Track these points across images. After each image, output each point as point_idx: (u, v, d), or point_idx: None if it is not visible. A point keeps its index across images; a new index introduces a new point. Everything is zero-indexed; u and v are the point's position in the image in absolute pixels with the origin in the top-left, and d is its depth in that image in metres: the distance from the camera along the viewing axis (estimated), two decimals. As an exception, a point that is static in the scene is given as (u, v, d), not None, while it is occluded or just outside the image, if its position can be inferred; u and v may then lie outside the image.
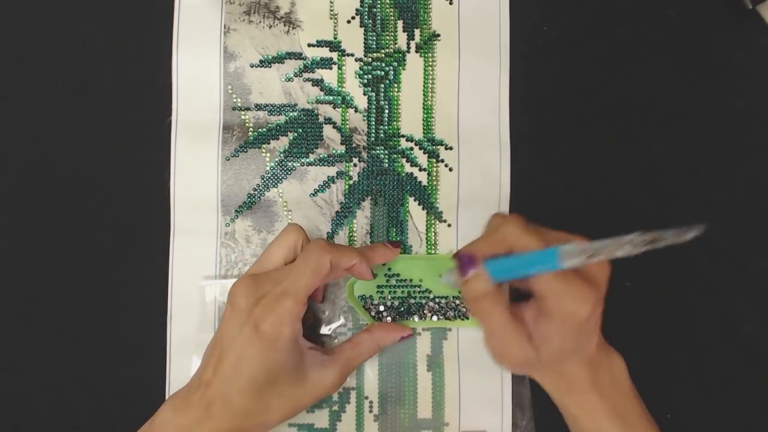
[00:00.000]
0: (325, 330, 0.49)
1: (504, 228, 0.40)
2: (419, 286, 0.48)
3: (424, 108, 0.50)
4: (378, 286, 0.48)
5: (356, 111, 0.50)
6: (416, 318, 0.48)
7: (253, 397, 0.40)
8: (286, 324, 0.40)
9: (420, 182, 0.50)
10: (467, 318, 0.48)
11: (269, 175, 0.49)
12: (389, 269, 0.48)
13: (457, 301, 0.48)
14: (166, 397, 0.47)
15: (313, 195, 0.50)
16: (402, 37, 0.50)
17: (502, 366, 0.44)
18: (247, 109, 0.50)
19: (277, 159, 0.50)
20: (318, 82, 0.50)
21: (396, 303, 0.48)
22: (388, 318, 0.48)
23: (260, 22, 0.50)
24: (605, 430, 0.41)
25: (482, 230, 0.42)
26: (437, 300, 0.48)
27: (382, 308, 0.48)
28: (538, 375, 0.43)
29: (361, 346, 0.46)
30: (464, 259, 0.39)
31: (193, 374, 0.42)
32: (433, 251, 0.50)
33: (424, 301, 0.48)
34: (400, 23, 0.50)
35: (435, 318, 0.48)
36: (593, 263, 0.36)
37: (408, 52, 0.50)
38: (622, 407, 0.41)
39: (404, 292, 0.48)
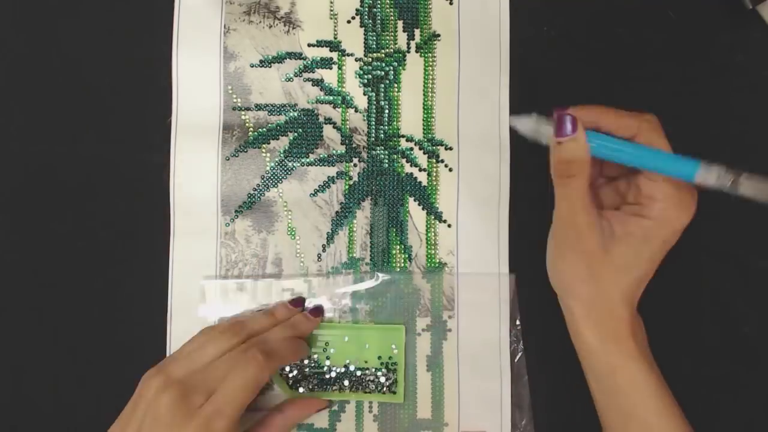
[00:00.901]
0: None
1: (637, 115, 0.39)
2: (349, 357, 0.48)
3: (424, 108, 0.50)
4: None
5: (356, 111, 0.50)
6: (337, 390, 0.47)
7: None
8: None
9: (420, 182, 0.50)
10: (391, 392, 0.47)
11: (269, 175, 0.49)
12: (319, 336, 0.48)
13: (379, 374, 0.47)
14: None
15: (313, 195, 0.50)
16: (402, 37, 0.50)
17: (556, 258, 0.41)
18: (247, 109, 0.50)
19: (277, 159, 0.50)
20: (318, 82, 0.50)
21: (321, 371, 0.47)
22: (301, 389, 0.47)
23: (260, 22, 0.50)
24: (642, 384, 0.39)
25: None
26: (359, 371, 0.48)
27: (298, 375, 0.47)
28: (586, 294, 0.40)
29: (271, 429, 0.44)
30: (566, 119, 0.37)
31: None
32: (433, 251, 0.50)
33: (344, 371, 0.47)
34: (400, 23, 0.50)
35: (356, 389, 0.47)
36: (725, 188, 0.36)
37: (408, 52, 0.50)
38: (653, 364, 0.40)
39: (329, 362, 0.48)
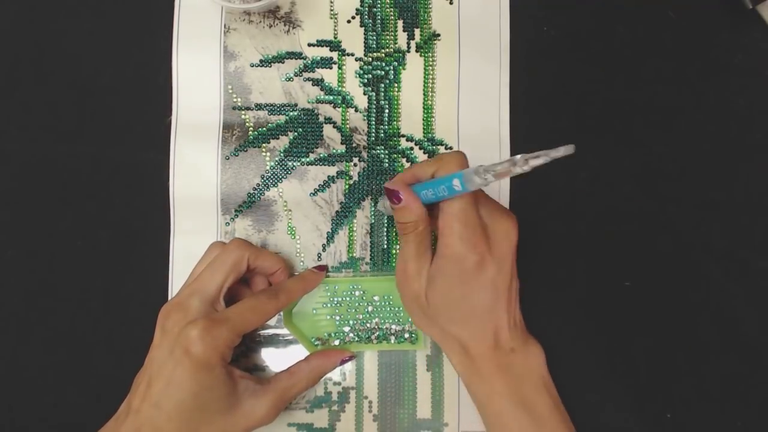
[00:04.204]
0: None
1: (443, 155, 0.41)
2: (387, 306, 0.48)
3: (424, 108, 0.50)
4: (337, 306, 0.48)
5: (356, 111, 0.50)
6: (374, 340, 0.48)
7: (182, 425, 0.39)
8: (217, 346, 0.39)
9: (420, 182, 0.50)
10: (411, 341, 0.48)
11: (269, 174, 0.49)
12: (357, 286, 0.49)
13: (395, 326, 0.48)
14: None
15: (313, 194, 0.49)
16: (402, 37, 0.50)
17: (404, 303, 0.44)
18: (248, 108, 0.50)
19: (277, 158, 0.50)
20: (318, 82, 0.50)
21: (358, 324, 0.48)
22: (336, 341, 0.48)
23: (260, 21, 0.50)
24: (509, 417, 0.40)
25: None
26: (397, 321, 0.48)
27: (347, 329, 0.48)
28: (441, 338, 0.43)
29: (298, 375, 0.45)
30: (391, 193, 0.41)
31: (122, 403, 0.42)
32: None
33: (383, 323, 0.48)
34: (400, 23, 0.50)
35: (393, 340, 0.48)
36: (491, 182, 0.36)
37: (408, 51, 0.50)
38: (531, 398, 0.41)
39: (367, 313, 0.48)
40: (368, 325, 0.48)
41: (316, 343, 0.48)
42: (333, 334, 0.48)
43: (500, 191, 0.50)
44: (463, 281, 0.40)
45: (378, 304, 0.48)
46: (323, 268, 0.48)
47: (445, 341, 0.42)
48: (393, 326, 0.48)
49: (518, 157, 0.33)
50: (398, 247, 0.49)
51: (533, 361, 0.42)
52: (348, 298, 0.48)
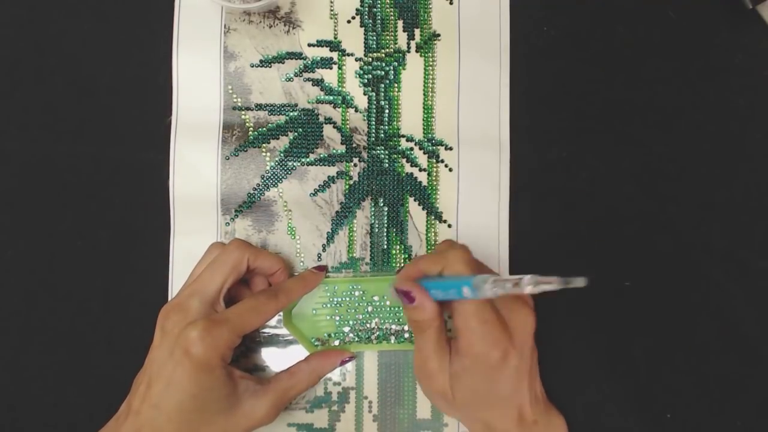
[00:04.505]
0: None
1: (447, 251, 0.41)
2: (385, 307, 0.48)
3: (424, 108, 0.50)
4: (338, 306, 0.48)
5: (356, 111, 0.50)
6: (374, 340, 0.48)
7: (182, 425, 0.39)
8: (217, 346, 0.39)
9: (420, 182, 0.50)
10: (410, 341, 0.48)
11: (269, 174, 0.49)
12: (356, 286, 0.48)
13: (395, 325, 0.48)
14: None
15: (313, 195, 0.50)
16: (402, 37, 0.50)
17: (427, 396, 0.44)
18: (248, 108, 0.50)
19: (277, 159, 0.50)
20: (318, 82, 0.50)
21: (358, 324, 0.48)
22: (336, 342, 0.48)
23: (260, 21, 0.50)
24: None
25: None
26: (397, 321, 0.48)
27: (347, 329, 0.48)
28: (465, 421, 0.43)
29: (299, 375, 0.45)
30: (403, 294, 0.41)
31: (122, 404, 0.42)
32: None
33: (383, 323, 0.48)
34: (400, 23, 0.50)
35: (393, 340, 0.48)
36: (506, 295, 0.36)
37: (408, 52, 0.50)
38: None
39: (367, 313, 0.48)
40: (368, 325, 0.48)
41: (315, 343, 0.48)
42: (333, 335, 0.48)
43: (500, 191, 0.50)
44: (488, 376, 0.40)
45: (378, 304, 0.48)
46: (323, 269, 0.48)
47: (470, 422, 0.43)
48: (393, 326, 0.48)
49: (528, 277, 0.34)
50: (402, 257, 0.50)
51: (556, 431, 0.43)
52: (348, 299, 0.48)
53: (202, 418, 0.40)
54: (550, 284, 0.33)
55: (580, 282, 0.33)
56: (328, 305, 0.48)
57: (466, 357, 0.39)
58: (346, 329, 0.48)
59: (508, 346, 0.39)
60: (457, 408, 0.42)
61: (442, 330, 0.41)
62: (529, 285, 0.33)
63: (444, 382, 0.41)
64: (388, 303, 0.48)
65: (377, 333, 0.48)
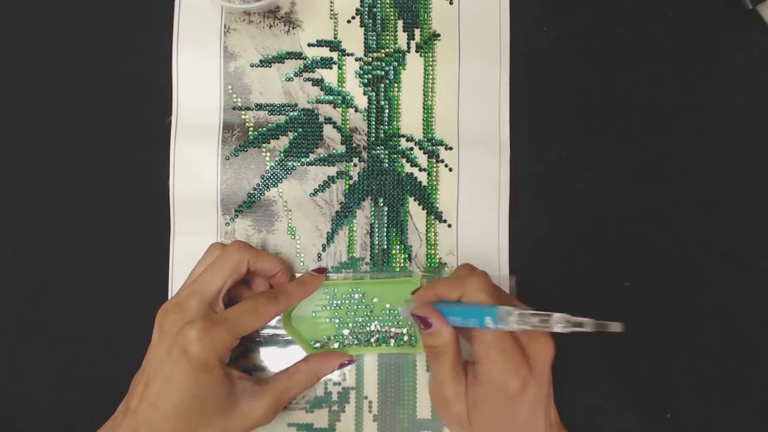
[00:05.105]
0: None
1: (466, 277, 0.40)
2: (386, 310, 0.48)
3: (424, 108, 0.50)
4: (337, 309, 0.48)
5: (356, 111, 0.50)
6: (373, 343, 0.48)
7: (180, 425, 0.39)
8: (215, 346, 0.39)
9: (420, 182, 0.50)
10: (410, 344, 0.48)
11: (269, 174, 0.49)
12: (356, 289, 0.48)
13: (395, 328, 0.48)
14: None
15: (313, 195, 0.49)
16: (402, 37, 0.50)
17: (443, 421, 0.44)
18: (248, 108, 0.50)
19: (277, 158, 0.50)
20: (318, 82, 0.50)
21: (357, 327, 0.48)
22: (335, 344, 0.48)
23: (260, 21, 0.50)
24: None
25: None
26: (396, 324, 0.48)
27: (346, 332, 0.48)
28: None
29: (297, 376, 0.45)
30: (420, 320, 0.40)
31: (120, 404, 0.41)
32: (433, 251, 0.50)
33: (383, 326, 0.48)
34: (400, 23, 0.50)
35: (393, 343, 0.48)
36: (527, 330, 0.36)
37: (408, 52, 0.50)
38: None
39: (366, 316, 0.48)
40: (367, 328, 0.48)
41: (315, 345, 0.48)
42: (332, 337, 0.48)
43: (500, 191, 0.49)
44: (507, 405, 0.39)
45: (377, 307, 0.48)
46: (322, 271, 0.48)
47: None
48: (392, 329, 0.48)
49: (558, 316, 0.33)
50: (403, 257, 0.50)
51: None
52: (347, 301, 0.48)
53: (200, 418, 0.40)
54: (583, 327, 0.32)
55: (616, 327, 0.32)
56: (328, 308, 0.48)
57: (484, 385, 0.39)
58: (346, 332, 0.48)
59: (528, 376, 0.39)
60: None
61: (458, 355, 0.41)
62: (559, 324, 0.32)
63: (461, 408, 0.40)
64: (387, 306, 0.48)
65: (376, 336, 0.48)
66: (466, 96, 0.50)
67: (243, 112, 0.50)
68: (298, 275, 0.48)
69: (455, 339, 0.40)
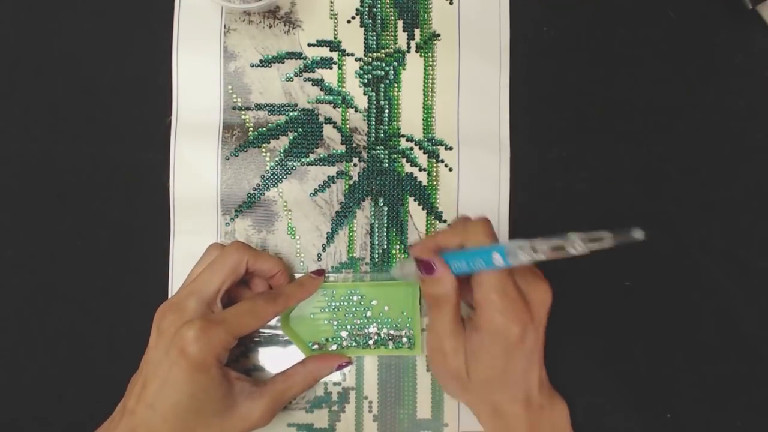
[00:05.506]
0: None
1: (467, 223, 0.40)
2: (383, 312, 0.48)
3: (424, 108, 0.50)
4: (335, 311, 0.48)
5: (356, 111, 0.50)
6: (371, 345, 0.48)
7: (177, 426, 0.39)
8: (213, 347, 0.39)
9: (420, 182, 0.50)
10: (409, 347, 0.48)
11: (269, 174, 0.49)
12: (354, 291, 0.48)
13: (394, 330, 0.48)
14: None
15: (313, 195, 0.50)
16: (402, 37, 0.50)
17: (437, 376, 0.44)
18: (248, 108, 0.50)
19: (277, 159, 0.50)
20: (318, 82, 0.50)
21: (355, 329, 0.48)
22: (333, 346, 0.48)
23: (260, 21, 0.50)
24: None
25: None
26: (395, 327, 0.48)
27: (344, 334, 0.48)
28: (474, 404, 0.42)
29: (295, 378, 0.45)
30: (423, 265, 0.40)
31: (118, 404, 0.41)
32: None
33: (381, 328, 0.48)
34: (400, 23, 0.50)
35: (391, 345, 0.48)
36: (539, 260, 0.35)
37: (408, 52, 0.50)
38: None
39: (364, 318, 0.48)
40: (366, 330, 0.48)
41: (313, 347, 0.48)
42: (330, 339, 0.48)
43: (500, 191, 0.49)
44: (506, 353, 0.39)
45: (376, 309, 0.48)
46: (321, 273, 0.48)
47: (479, 405, 0.42)
48: (391, 331, 0.48)
49: (574, 234, 0.31)
50: (402, 256, 0.50)
51: (559, 416, 0.42)
52: (346, 303, 0.48)
53: (198, 419, 0.39)
54: (602, 241, 0.29)
55: (638, 234, 0.30)
56: (327, 309, 0.48)
57: (485, 332, 0.39)
58: (344, 334, 0.48)
59: (528, 323, 0.38)
60: (469, 389, 0.41)
61: (458, 308, 0.40)
62: (576, 244, 0.30)
63: (459, 361, 0.40)
64: (386, 308, 0.48)
65: (375, 338, 0.48)
66: (466, 96, 0.50)
67: (243, 112, 0.50)
68: (298, 275, 0.48)
69: (457, 288, 0.40)
